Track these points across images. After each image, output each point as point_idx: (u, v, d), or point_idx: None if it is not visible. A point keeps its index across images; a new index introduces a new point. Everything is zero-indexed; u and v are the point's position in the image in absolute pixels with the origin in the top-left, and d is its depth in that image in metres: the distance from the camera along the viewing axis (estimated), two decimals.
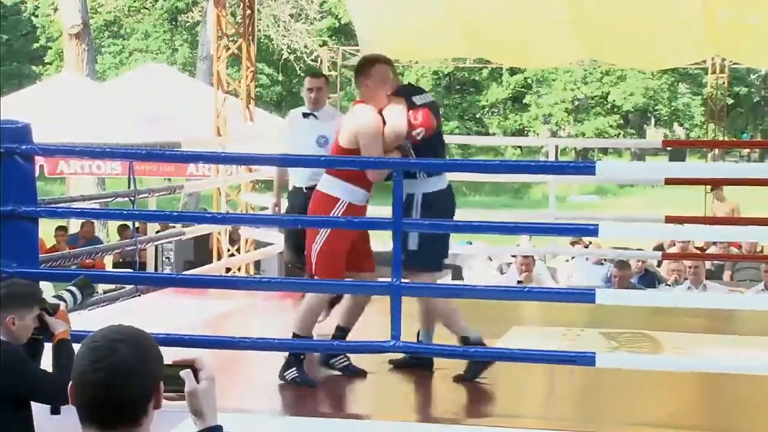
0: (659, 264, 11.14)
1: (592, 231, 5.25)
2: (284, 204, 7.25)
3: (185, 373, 2.09)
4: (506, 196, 30.73)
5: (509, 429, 4.77)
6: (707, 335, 6.77)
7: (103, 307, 6.58)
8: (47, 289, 5.19)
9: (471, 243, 12.63)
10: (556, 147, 21.55)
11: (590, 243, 11.89)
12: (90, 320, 5.40)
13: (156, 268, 11.38)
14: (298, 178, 6.92)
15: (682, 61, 14.96)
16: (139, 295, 7.16)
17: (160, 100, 13.29)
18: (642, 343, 6.62)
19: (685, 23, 10.13)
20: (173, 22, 34.32)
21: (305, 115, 6.94)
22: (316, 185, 6.01)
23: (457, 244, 10.23)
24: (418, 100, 5.50)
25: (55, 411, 3.72)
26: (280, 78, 32.55)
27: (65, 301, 3.98)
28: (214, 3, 10.05)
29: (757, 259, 10.54)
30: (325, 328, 5.85)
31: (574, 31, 10.47)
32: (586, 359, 4.92)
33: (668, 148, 32.17)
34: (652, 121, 37.54)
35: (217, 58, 10.06)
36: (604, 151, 35.70)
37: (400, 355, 5.58)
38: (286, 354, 5.44)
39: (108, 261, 13.05)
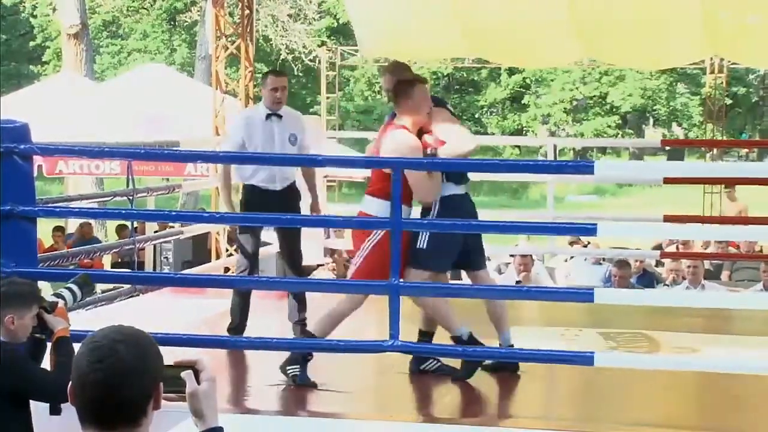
0: (658, 264, 11.14)
1: (591, 231, 5.26)
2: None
3: (186, 374, 2.09)
4: (504, 196, 30.69)
5: (509, 429, 4.77)
6: (706, 335, 6.78)
7: (101, 307, 6.57)
8: (45, 289, 5.19)
9: None
10: (555, 147, 21.54)
11: (589, 243, 11.89)
12: (89, 320, 5.40)
13: (154, 268, 11.36)
14: (266, 178, 6.56)
15: (680, 61, 14.95)
16: (138, 295, 7.16)
17: (158, 100, 13.27)
18: (640, 342, 6.62)
19: (683, 23, 10.13)
20: (172, 22, 34.29)
21: (268, 116, 6.61)
22: (290, 185, 6.02)
23: None
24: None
25: (54, 411, 3.71)
26: None
27: (64, 298, 3.97)
28: (213, 3, 10.04)
29: (756, 259, 10.53)
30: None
31: (573, 31, 10.47)
32: (584, 359, 4.92)
33: (667, 148, 32.30)
34: (651, 121, 37.53)
35: (215, 58, 10.05)
36: (603, 150, 35.70)
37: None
38: None
39: (106, 261, 13.05)
